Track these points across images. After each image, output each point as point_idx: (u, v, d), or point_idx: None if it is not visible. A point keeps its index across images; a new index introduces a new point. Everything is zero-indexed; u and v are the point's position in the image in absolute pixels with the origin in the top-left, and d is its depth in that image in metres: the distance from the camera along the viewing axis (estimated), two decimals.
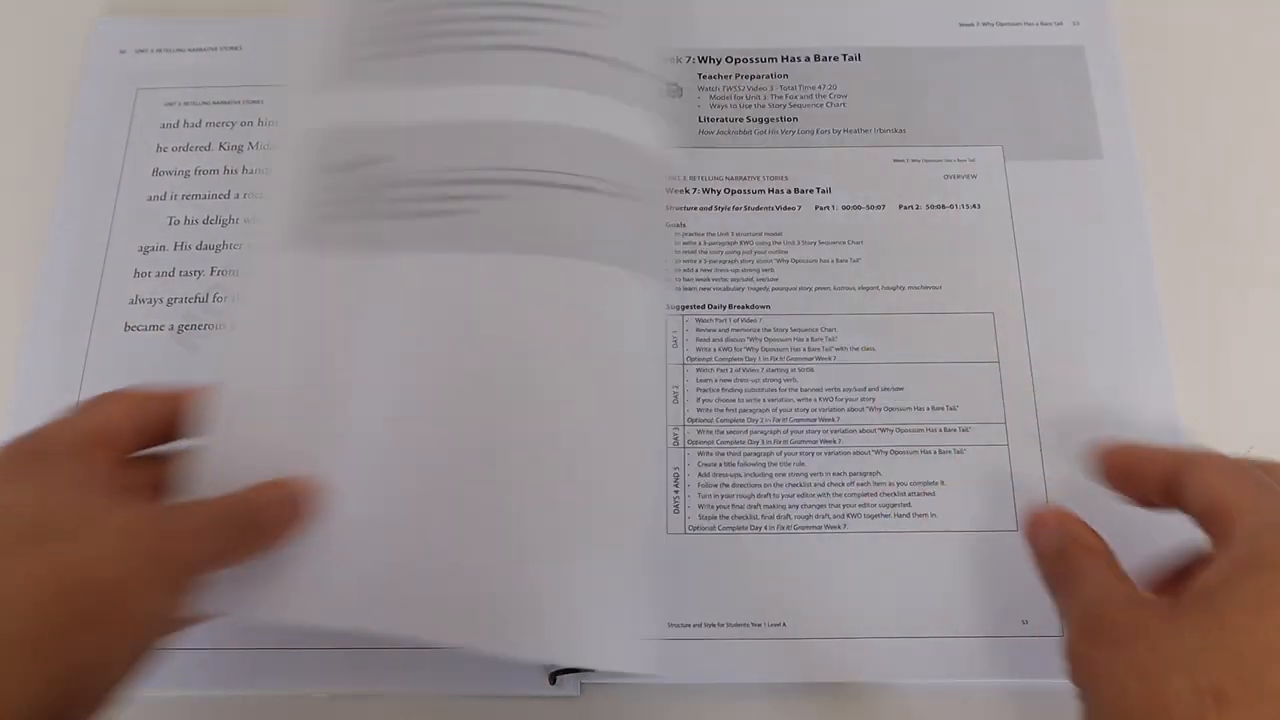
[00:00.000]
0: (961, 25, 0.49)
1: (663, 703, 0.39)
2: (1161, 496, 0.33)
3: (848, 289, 0.44)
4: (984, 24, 0.49)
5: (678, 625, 0.39)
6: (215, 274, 0.46)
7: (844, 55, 0.49)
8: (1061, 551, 0.33)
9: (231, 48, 0.50)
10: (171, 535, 0.29)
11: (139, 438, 0.33)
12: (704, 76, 0.49)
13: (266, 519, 0.32)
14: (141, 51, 0.50)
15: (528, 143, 0.37)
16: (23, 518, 0.27)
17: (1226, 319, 0.45)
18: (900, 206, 0.46)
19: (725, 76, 0.49)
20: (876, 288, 0.44)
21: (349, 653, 0.39)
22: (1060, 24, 0.49)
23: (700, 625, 0.39)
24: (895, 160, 0.46)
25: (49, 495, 0.28)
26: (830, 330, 0.43)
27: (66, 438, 0.31)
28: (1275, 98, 0.49)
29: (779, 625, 0.39)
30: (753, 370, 0.43)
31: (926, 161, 0.46)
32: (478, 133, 0.37)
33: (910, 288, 0.44)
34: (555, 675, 0.38)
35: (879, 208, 0.46)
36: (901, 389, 0.42)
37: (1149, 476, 0.33)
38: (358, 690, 0.39)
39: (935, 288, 0.44)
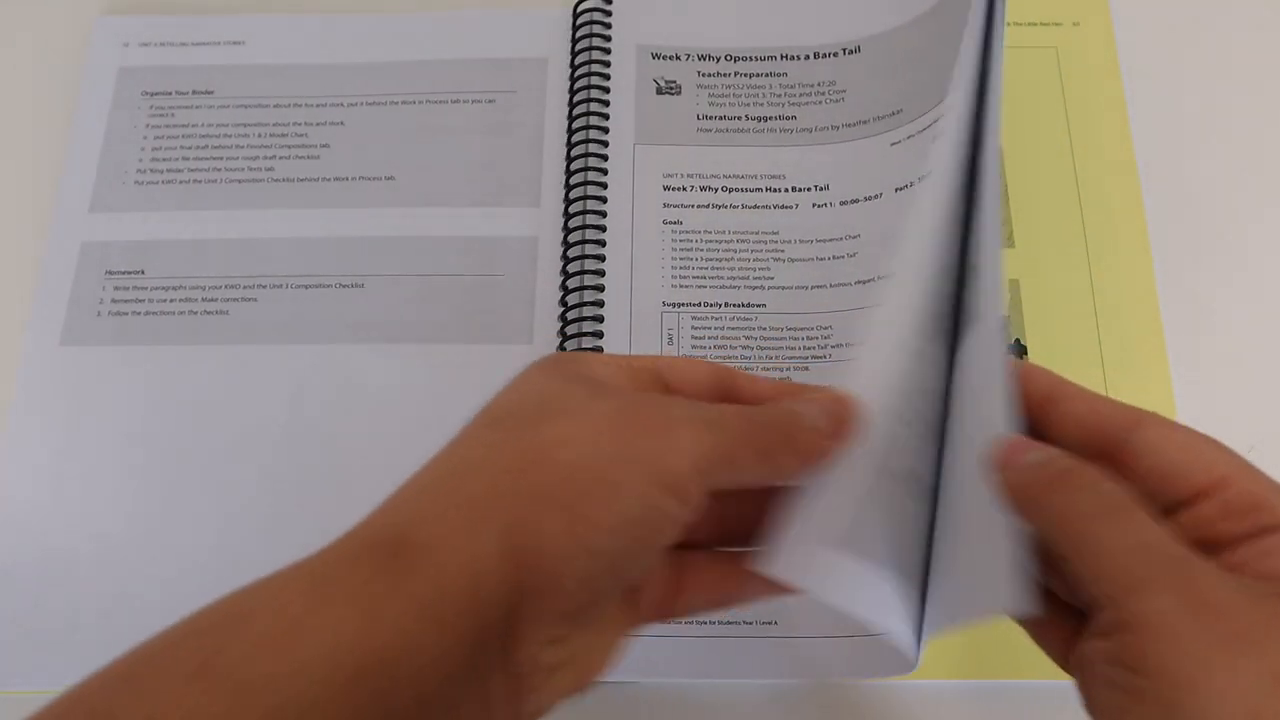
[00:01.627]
0: None
1: (663, 702, 0.39)
2: (1090, 448, 0.27)
3: (844, 285, 0.44)
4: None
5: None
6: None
7: (844, 50, 0.48)
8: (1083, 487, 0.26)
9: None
10: (656, 427, 0.26)
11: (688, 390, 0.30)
12: (703, 74, 0.48)
13: (797, 428, 0.28)
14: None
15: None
16: (516, 400, 0.28)
17: (1227, 320, 0.44)
18: (896, 190, 0.45)
19: (724, 75, 0.48)
20: (872, 279, 0.44)
21: None
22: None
23: (694, 623, 0.39)
24: (892, 144, 0.46)
25: (552, 385, 0.27)
26: (825, 329, 0.43)
27: (611, 358, 0.30)
28: (1276, 97, 0.49)
29: (769, 624, 0.39)
30: (748, 369, 0.43)
31: (921, 133, 0.45)
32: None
33: None
34: None
35: (875, 197, 0.45)
36: None
37: (1080, 418, 0.28)
38: None
39: None
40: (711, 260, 0.45)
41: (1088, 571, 0.24)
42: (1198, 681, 0.22)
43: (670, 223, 0.45)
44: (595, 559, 0.25)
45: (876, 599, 0.28)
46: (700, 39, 0.49)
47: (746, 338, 0.43)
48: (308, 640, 0.22)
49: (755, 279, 0.44)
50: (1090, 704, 0.25)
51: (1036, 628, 0.29)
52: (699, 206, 0.46)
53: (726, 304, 0.44)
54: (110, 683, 0.22)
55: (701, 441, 0.26)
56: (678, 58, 0.49)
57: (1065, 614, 0.28)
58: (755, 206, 0.46)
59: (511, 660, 0.25)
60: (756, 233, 0.45)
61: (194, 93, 0.49)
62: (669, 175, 0.46)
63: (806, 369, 0.43)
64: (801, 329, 0.43)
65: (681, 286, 0.44)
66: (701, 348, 0.43)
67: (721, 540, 0.31)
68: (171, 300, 0.45)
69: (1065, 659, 0.28)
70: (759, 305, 0.44)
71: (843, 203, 0.45)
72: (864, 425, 0.28)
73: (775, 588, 0.29)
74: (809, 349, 0.43)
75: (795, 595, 0.29)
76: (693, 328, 0.43)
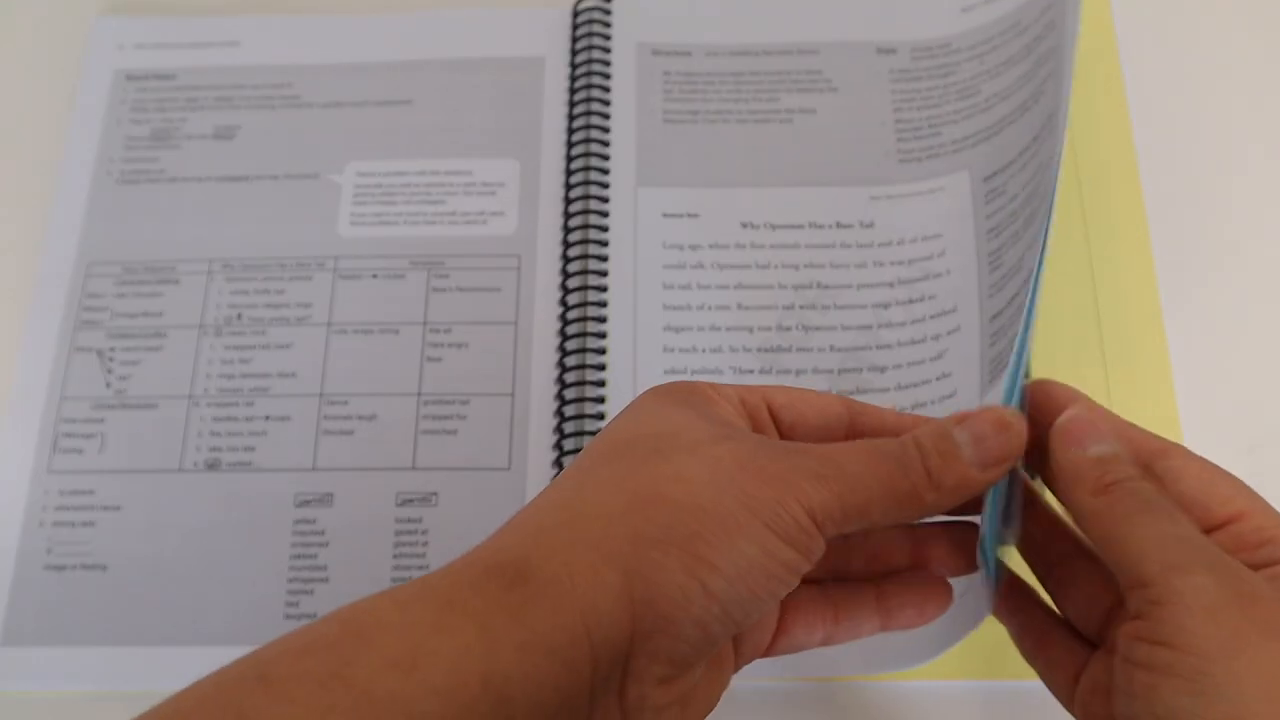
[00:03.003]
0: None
1: None
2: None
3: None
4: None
5: None
6: None
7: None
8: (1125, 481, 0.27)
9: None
10: (776, 477, 0.26)
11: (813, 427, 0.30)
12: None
13: (937, 460, 0.27)
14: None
15: None
16: (635, 429, 0.28)
17: (1228, 320, 0.44)
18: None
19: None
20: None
21: None
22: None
23: None
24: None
25: (673, 417, 0.28)
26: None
27: (725, 389, 0.29)
28: (1276, 97, 0.49)
29: None
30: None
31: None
32: None
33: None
34: None
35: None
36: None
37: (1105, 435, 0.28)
38: None
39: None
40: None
41: (1131, 552, 0.25)
42: (1229, 655, 0.22)
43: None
44: (711, 602, 0.25)
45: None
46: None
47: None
48: (433, 662, 0.23)
49: None
50: (1119, 695, 0.25)
51: (1045, 664, 0.30)
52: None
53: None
54: (243, 683, 0.23)
55: (822, 493, 0.26)
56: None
57: (1072, 647, 0.29)
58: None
59: (624, 698, 0.25)
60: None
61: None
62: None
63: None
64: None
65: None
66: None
67: (827, 573, 0.31)
68: None
69: (1070, 696, 0.29)
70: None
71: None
72: (1021, 446, 0.27)
73: (878, 623, 0.30)
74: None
75: (901, 629, 0.30)
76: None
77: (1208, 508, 0.27)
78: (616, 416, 0.29)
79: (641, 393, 0.30)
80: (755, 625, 0.29)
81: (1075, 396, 0.29)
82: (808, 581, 0.28)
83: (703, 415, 0.28)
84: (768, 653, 0.30)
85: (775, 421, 0.30)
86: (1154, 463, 0.27)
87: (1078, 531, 0.29)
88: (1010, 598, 0.31)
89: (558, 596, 0.24)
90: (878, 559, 0.31)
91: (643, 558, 0.25)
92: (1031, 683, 0.38)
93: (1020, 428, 0.27)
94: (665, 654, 0.25)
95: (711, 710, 0.28)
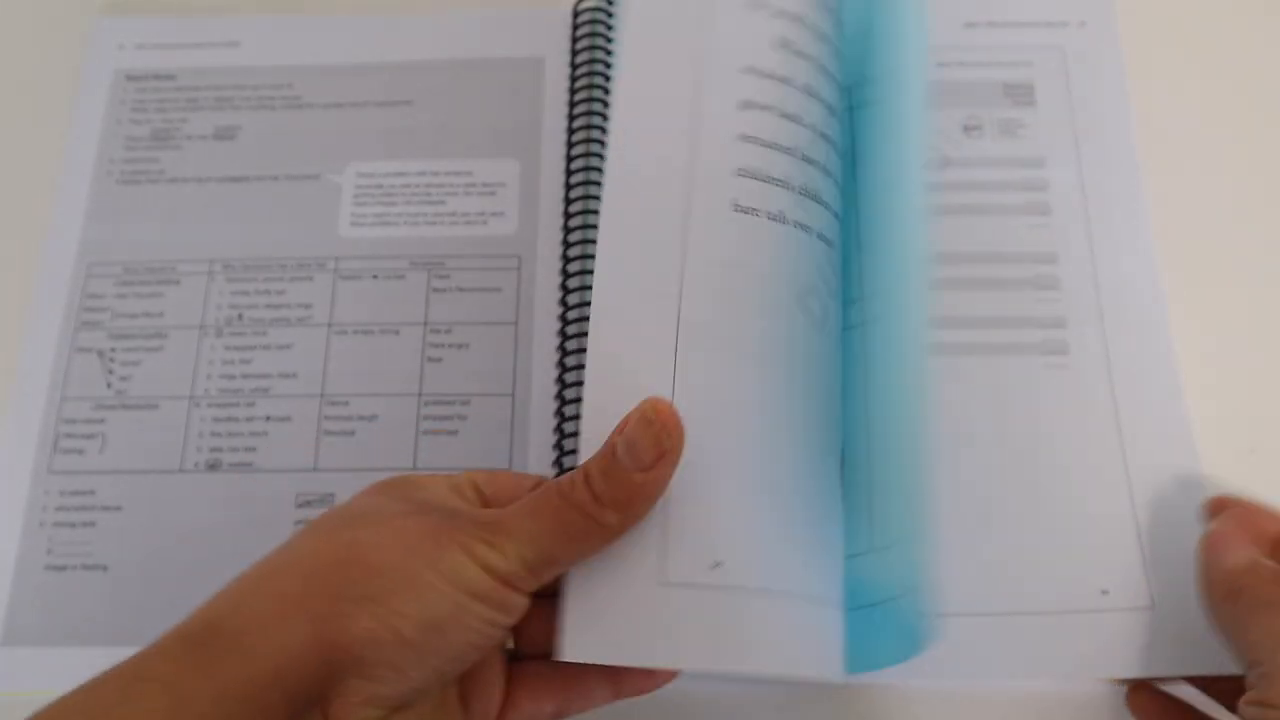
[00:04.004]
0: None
1: (663, 702, 0.39)
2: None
3: None
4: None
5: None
6: None
7: None
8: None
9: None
10: (450, 540, 0.28)
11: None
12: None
13: (600, 480, 0.28)
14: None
15: None
16: (340, 511, 0.30)
17: (1230, 318, 0.44)
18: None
19: None
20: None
21: None
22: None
23: None
24: None
25: (375, 500, 0.30)
26: None
27: (434, 478, 0.32)
28: (1277, 96, 0.49)
29: None
30: None
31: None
32: None
33: None
34: None
35: None
36: None
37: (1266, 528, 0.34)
38: None
39: None
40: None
41: (1251, 642, 0.31)
42: None
43: None
44: (404, 648, 0.27)
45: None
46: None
47: None
48: None
49: None
50: None
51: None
52: None
53: None
54: None
55: (494, 554, 0.28)
56: None
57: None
58: None
59: None
60: None
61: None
62: None
63: None
64: None
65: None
66: None
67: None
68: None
69: None
70: None
71: None
72: (673, 435, 0.28)
73: (610, 693, 0.32)
74: None
75: (634, 695, 0.32)
76: None
77: None
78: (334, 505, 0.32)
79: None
80: (480, 691, 0.31)
81: (1225, 504, 0.36)
82: (538, 656, 0.31)
83: (401, 499, 0.30)
84: None
85: (481, 496, 0.32)
86: None
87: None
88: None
89: (248, 648, 0.26)
90: None
91: (335, 609, 0.27)
92: (1032, 683, 0.38)
93: (666, 416, 0.28)
94: (364, 694, 0.27)
95: None
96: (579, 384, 0.42)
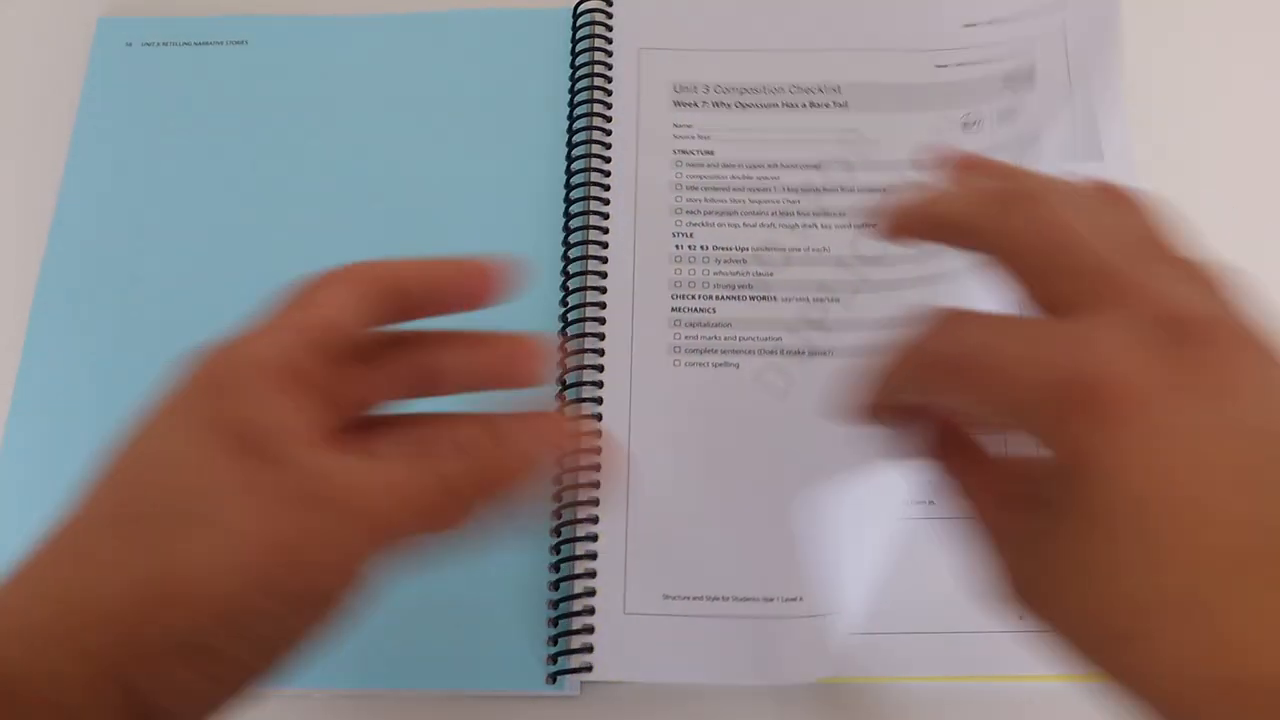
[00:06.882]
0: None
1: (662, 702, 0.39)
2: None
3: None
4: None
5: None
6: None
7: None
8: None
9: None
10: (295, 546, 0.24)
11: (366, 325, 0.26)
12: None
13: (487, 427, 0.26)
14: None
15: None
16: (149, 481, 0.24)
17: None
18: None
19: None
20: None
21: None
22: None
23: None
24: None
25: (197, 460, 0.24)
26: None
27: (263, 357, 0.25)
28: (1277, 94, 0.49)
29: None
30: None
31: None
32: None
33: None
34: (555, 675, 0.38)
35: None
36: None
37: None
38: (358, 690, 0.39)
39: None
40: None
41: None
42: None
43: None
44: (228, 690, 0.24)
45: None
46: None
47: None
48: None
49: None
50: None
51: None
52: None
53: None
54: None
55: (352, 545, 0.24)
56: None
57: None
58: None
59: None
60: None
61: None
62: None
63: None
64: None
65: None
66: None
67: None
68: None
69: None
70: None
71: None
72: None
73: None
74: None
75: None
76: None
77: None
78: (130, 444, 0.25)
79: (177, 383, 0.25)
80: None
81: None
82: None
83: (241, 452, 0.24)
84: None
85: (350, 345, 0.26)
86: None
87: None
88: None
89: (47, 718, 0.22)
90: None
91: (147, 672, 0.23)
92: (1033, 683, 0.38)
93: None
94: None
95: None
96: (579, 384, 0.42)
